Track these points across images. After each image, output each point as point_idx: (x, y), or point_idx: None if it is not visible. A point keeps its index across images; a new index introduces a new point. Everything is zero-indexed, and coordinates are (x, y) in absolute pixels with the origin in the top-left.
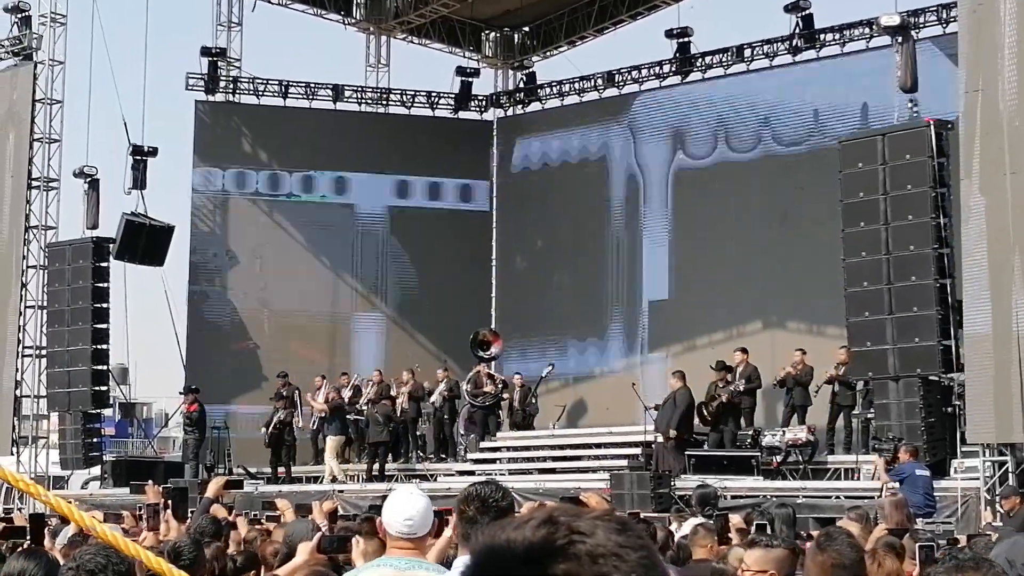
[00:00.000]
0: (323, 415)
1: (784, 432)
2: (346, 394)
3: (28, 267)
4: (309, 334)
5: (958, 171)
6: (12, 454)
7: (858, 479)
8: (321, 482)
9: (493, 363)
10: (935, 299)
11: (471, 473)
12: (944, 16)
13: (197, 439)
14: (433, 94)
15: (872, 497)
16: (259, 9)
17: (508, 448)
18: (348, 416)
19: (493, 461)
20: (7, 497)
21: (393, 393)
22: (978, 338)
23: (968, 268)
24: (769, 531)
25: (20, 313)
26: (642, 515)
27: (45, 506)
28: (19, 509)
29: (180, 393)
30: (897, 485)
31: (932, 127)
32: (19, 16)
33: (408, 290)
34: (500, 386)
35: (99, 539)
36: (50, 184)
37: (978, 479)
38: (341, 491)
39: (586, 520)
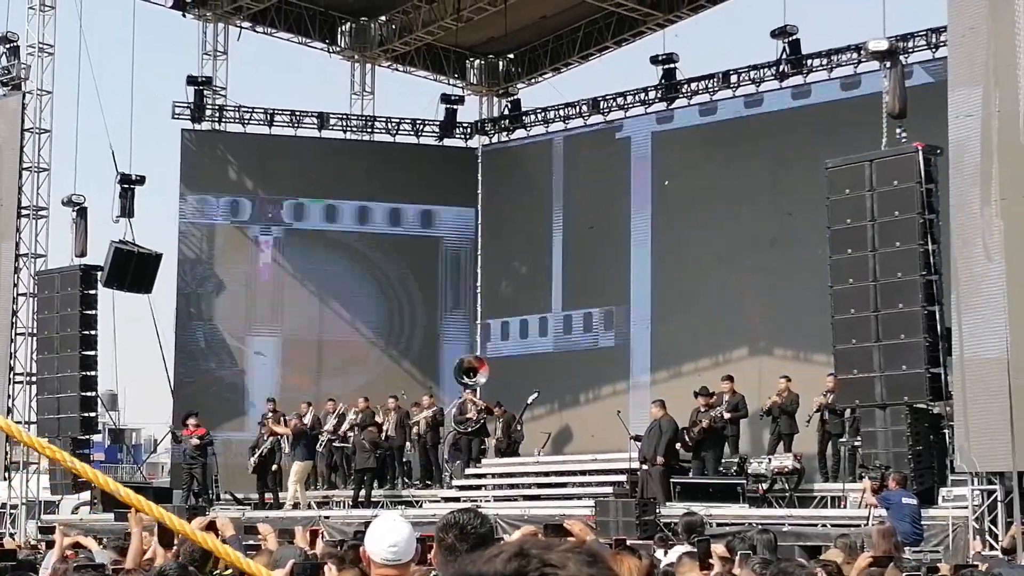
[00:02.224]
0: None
1: (770, 460)
2: (331, 421)
3: (18, 295)
4: (295, 360)
5: (947, 196)
6: (4, 479)
7: (844, 507)
8: (287, 507)
9: (478, 390)
10: (923, 326)
11: (456, 499)
12: (933, 41)
13: (204, 463)
14: (418, 121)
15: (858, 525)
16: (244, 38)
17: (493, 475)
18: (334, 443)
19: (479, 487)
20: None
21: (379, 420)
22: (973, 363)
23: (967, 293)
24: (753, 556)
25: (11, 340)
26: (628, 542)
27: (69, 471)
28: (11, 534)
29: (186, 419)
30: (884, 512)
31: (920, 152)
32: (7, 46)
33: (392, 317)
34: (484, 412)
35: (123, 501)
36: (39, 212)
37: (967, 508)
38: (327, 517)
39: (557, 552)
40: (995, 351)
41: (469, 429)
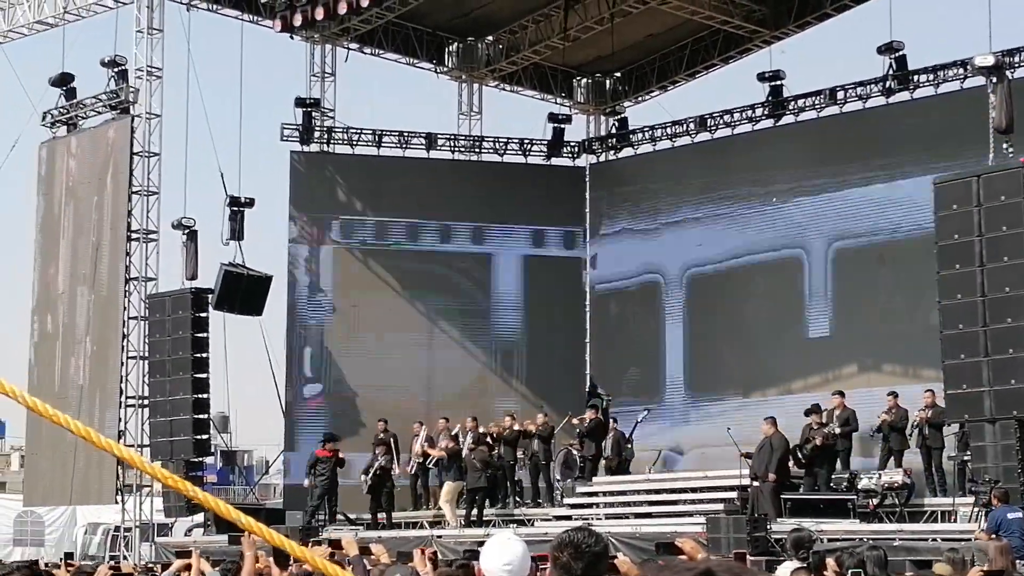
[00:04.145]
0: (420, 460)
1: (880, 475)
2: (443, 440)
3: (129, 318)
4: (405, 380)
5: None
6: (116, 502)
7: (955, 521)
8: (420, 527)
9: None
10: None
11: (568, 518)
12: None
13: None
14: (525, 141)
15: (968, 539)
16: (352, 59)
17: (604, 493)
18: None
19: (590, 506)
20: (112, 544)
21: (489, 440)
22: None
23: None
24: (863, 574)
25: (122, 364)
26: (748, 558)
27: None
28: (125, 557)
29: (330, 440)
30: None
31: None
32: (116, 70)
33: (503, 336)
34: (591, 421)
35: (242, 527)
36: (149, 236)
37: None
38: (439, 536)
39: None
40: None
41: (589, 426)
